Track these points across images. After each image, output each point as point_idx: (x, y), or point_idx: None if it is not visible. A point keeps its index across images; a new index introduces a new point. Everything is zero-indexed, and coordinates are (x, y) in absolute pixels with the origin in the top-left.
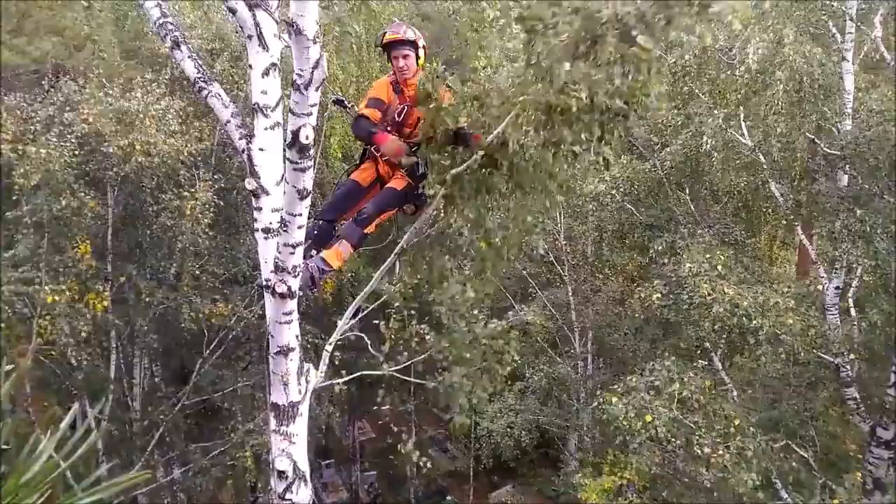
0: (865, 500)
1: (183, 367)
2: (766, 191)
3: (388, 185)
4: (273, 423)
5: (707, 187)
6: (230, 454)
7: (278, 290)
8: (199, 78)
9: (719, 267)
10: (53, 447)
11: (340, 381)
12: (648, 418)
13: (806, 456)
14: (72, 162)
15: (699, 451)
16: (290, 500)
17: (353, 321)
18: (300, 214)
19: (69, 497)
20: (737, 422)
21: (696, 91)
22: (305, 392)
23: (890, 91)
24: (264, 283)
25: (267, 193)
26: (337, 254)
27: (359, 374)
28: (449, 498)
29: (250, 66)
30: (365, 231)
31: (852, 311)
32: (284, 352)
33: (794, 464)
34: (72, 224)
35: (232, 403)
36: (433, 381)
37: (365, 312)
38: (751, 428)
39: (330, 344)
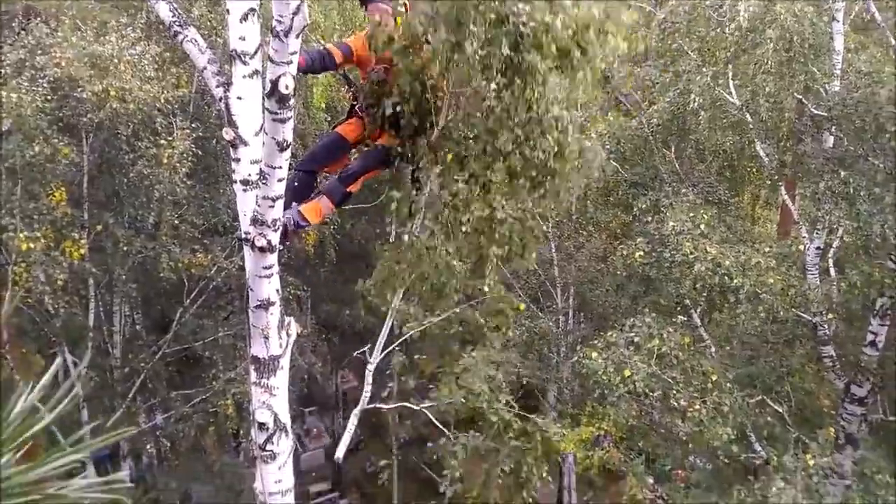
0: (837, 454)
1: (163, 315)
2: (752, 151)
3: (375, 143)
4: (253, 376)
5: (693, 146)
6: (212, 402)
7: (258, 243)
8: (175, 22)
9: (702, 226)
10: (36, 398)
11: (385, 407)
12: (627, 373)
13: (781, 411)
14: (44, 107)
15: (676, 405)
16: (271, 450)
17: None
18: (280, 167)
19: (56, 451)
20: (714, 377)
21: (685, 48)
22: (286, 346)
23: (879, 52)
24: (243, 236)
25: (245, 144)
26: (316, 209)
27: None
28: (430, 445)
29: (228, 11)
30: (348, 189)
31: (832, 272)
32: (265, 306)
33: (768, 419)
34: (46, 171)
35: (213, 353)
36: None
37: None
38: (728, 384)
39: (371, 364)
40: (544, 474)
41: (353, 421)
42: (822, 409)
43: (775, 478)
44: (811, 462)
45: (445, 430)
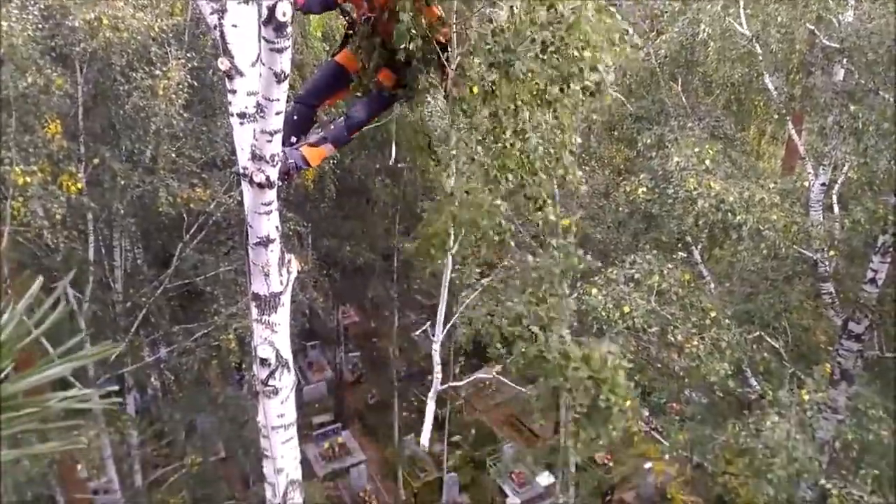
0: (832, 389)
1: (164, 250)
2: (760, 83)
3: (377, 84)
4: (255, 313)
5: (700, 79)
6: (214, 337)
7: (256, 179)
8: None
9: (707, 161)
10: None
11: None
12: (626, 309)
13: (777, 347)
14: (36, 36)
15: (673, 340)
16: (274, 386)
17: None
18: (277, 100)
19: (45, 362)
20: (713, 314)
21: None
22: (287, 283)
23: None
24: (241, 171)
25: (241, 75)
26: (319, 154)
27: None
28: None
29: None
30: (352, 136)
31: (835, 209)
32: (264, 243)
33: (765, 354)
34: (40, 103)
35: (214, 288)
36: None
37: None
38: (726, 320)
39: (437, 342)
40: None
41: (430, 406)
42: (818, 346)
43: (770, 412)
44: (806, 397)
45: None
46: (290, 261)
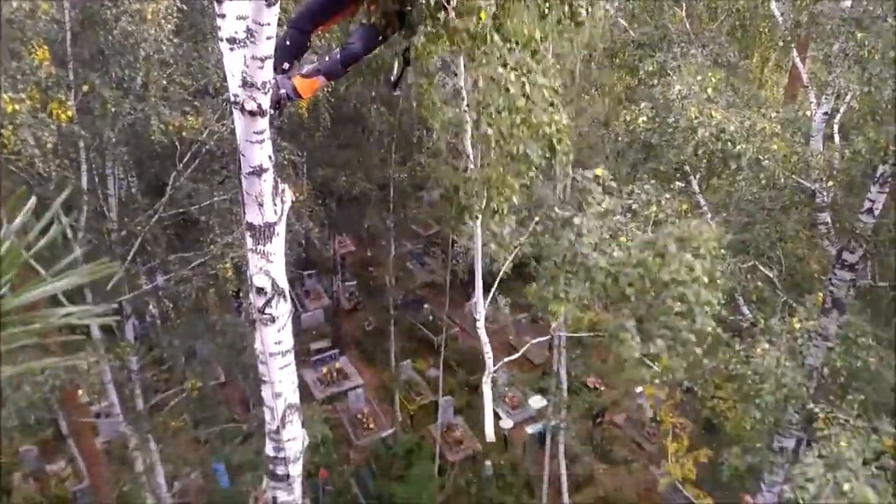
0: (823, 318)
1: (157, 179)
2: (766, 9)
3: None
4: (250, 243)
5: (705, 4)
6: (210, 265)
7: (247, 107)
8: None
9: (709, 90)
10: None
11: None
12: (623, 240)
13: (771, 276)
14: None
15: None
16: (270, 314)
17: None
18: (268, 24)
19: (37, 282)
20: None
21: None
22: (281, 213)
23: None
24: (232, 98)
25: None
26: (311, 85)
27: None
28: (426, 306)
29: None
30: (347, 69)
31: (836, 138)
32: (257, 172)
33: (758, 283)
34: (26, 28)
35: (209, 217)
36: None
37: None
38: (721, 250)
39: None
40: None
41: (486, 391)
42: (812, 275)
43: (760, 340)
44: (797, 325)
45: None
46: (284, 190)
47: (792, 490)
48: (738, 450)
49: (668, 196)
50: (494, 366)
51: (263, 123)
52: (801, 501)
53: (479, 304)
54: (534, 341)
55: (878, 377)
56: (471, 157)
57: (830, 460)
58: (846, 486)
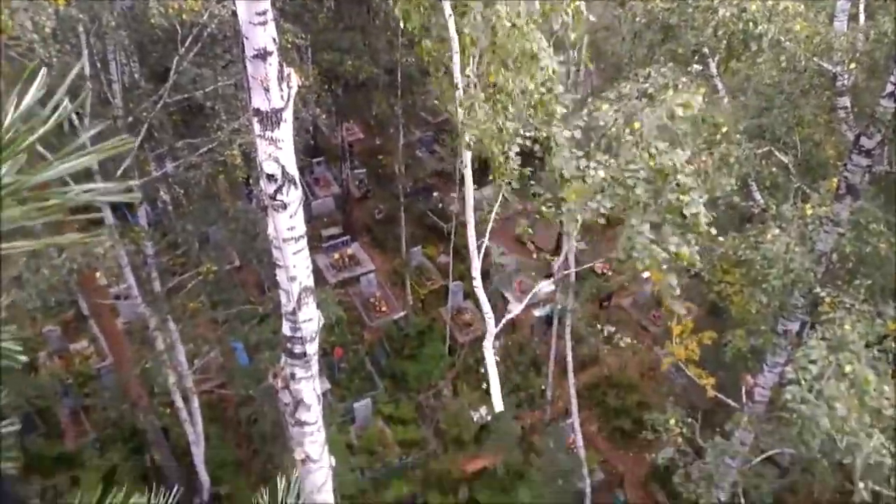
0: (836, 203)
1: (160, 64)
2: None
3: None
4: (257, 129)
5: None
6: (219, 152)
7: None
8: None
9: None
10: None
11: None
12: (636, 125)
13: (786, 162)
14: None
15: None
16: (281, 201)
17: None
18: None
19: (46, 164)
20: (724, 129)
21: None
22: (288, 98)
23: None
24: None
25: None
26: None
27: None
28: (435, 194)
29: None
30: None
31: (861, 18)
32: (262, 56)
33: (773, 169)
34: None
35: (215, 103)
36: None
37: None
38: (737, 135)
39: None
40: None
41: (489, 356)
42: (827, 161)
43: (771, 225)
44: (809, 211)
45: None
46: (289, 75)
47: (794, 371)
48: (743, 332)
49: (685, 80)
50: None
51: (265, 4)
52: (803, 381)
53: (475, 263)
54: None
55: (887, 262)
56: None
57: (833, 342)
58: (847, 368)
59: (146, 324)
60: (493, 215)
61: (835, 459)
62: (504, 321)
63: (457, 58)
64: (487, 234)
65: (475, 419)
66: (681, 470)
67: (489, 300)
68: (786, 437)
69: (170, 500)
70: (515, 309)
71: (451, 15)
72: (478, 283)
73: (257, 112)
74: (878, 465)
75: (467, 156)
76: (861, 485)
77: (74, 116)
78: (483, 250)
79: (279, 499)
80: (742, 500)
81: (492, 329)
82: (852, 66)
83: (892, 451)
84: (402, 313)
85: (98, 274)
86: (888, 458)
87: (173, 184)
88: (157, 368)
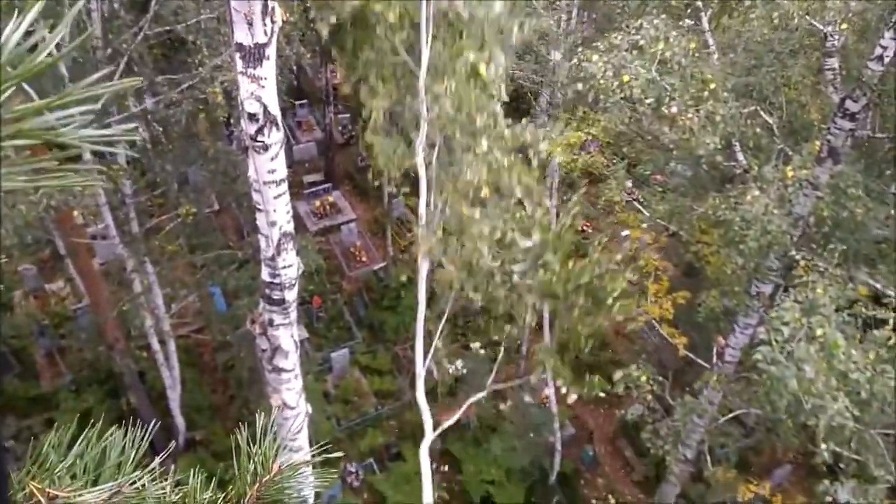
0: (817, 167)
1: None
2: None
3: None
4: (239, 65)
5: None
6: (200, 89)
7: None
8: None
9: None
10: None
11: None
12: (625, 78)
13: (771, 123)
14: None
15: (667, 112)
16: (263, 142)
17: None
18: None
19: (39, 105)
20: (712, 86)
21: None
22: (271, 34)
23: None
24: None
25: None
26: None
27: None
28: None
29: None
30: None
31: None
32: None
33: (757, 129)
34: None
35: (197, 37)
36: None
37: None
38: (725, 92)
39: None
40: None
41: (424, 461)
42: (811, 123)
43: (751, 186)
44: (790, 174)
45: None
46: (273, 9)
47: (767, 332)
48: (716, 293)
49: (675, 33)
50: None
51: None
52: (774, 342)
53: (419, 359)
54: None
55: (862, 228)
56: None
57: (806, 305)
58: (819, 331)
59: (123, 265)
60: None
61: (799, 421)
62: (442, 428)
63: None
64: None
65: (451, 372)
66: (649, 426)
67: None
68: (753, 397)
69: (145, 438)
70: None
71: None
72: (420, 393)
73: (240, 47)
74: (841, 427)
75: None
76: (823, 446)
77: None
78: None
79: (257, 437)
80: (707, 458)
81: (429, 434)
82: (844, 26)
83: (855, 414)
84: (382, 264)
85: (75, 213)
86: (850, 422)
87: (152, 121)
88: (133, 311)
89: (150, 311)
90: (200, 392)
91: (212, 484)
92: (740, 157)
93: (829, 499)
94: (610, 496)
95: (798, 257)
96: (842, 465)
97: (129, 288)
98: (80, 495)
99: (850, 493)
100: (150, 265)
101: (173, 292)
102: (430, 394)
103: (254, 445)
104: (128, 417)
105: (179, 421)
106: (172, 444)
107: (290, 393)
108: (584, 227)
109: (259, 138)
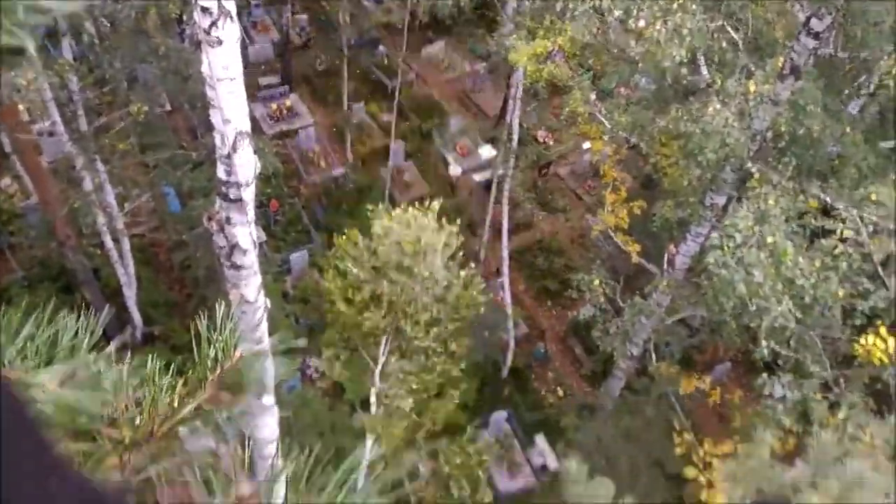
0: (779, 83)
1: None
2: None
3: None
4: None
5: None
6: None
7: None
8: None
9: None
10: None
11: None
12: None
13: (737, 38)
14: None
15: (634, 26)
16: (217, 36)
17: None
18: None
19: None
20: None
21: None
22: None
23: None
24: None
25: None
26: None
27: None
28: (381, 48)
29: None
30: None
31: None
32: None
33: (723, 44)
34: None
35: None
36: None
37: None
38: (693, 5)
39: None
40: None
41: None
42: (776, 40)
43: (714, 100)
44: (752, 88)
45: None
46: None
47: (719, 237)
48: (672, 203)
49: None
50: (450, 116)
51: None
52: (726, 248)
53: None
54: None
55: (818, 144)
56: None
57: (758, 215)
58: (769, 239)
59: (72, 163)
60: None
61: (743, 322)
62: None
63: None
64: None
65: None
66: (600, 326)
67: (430, 160)
68: (700, 300)
69: (98, 323)
70: (456, 171)
71: None
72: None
73: None
74: (783, 328)
75: None
76: (764, 344)
77: None
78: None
79: (218, 325)
80: (653, 355)
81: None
82: None
83: (798, 316)
84: (341, 170)
85: (20, 108)
86: (792, 323)
87: (100, 16)
88: (85, 209)
89: (102, 209)
90: (157, 290)
91: (170, 369)
92: (704, 71)
93: (765, 392)
94: (559, 388)
95: (753, 170)
96: (779, 363)
97: (79, 186)
98: (34, 376)
99: (785, 387)
100: (100, 163)
101: (125, 192)
102: None
103: (214, 332)
104: (83, 312)
105: (136, 316)
106: (128, 329)
107: (249, 288)
108: (547, 138)
109: (213, 32)
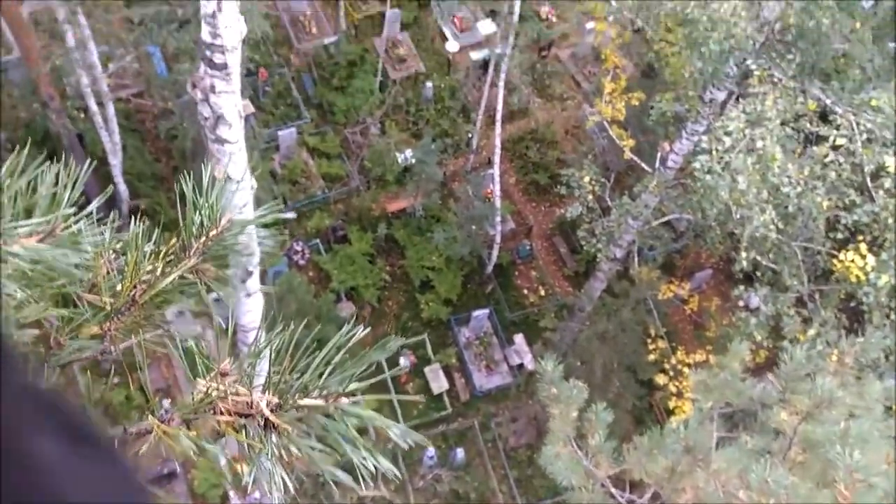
0: None
1: None
2: None
3: None
4: None
5: None
6: None
7: None
8: None
9: None
10: None
11: None
12: None
13: None
14: None
15: None
16: None
17: None
18: None
19: None
20: None
21: None
22: None
23: None
24: None
25: None
26: None
27: None
28: None
29: None
30: None
31: None
32: None
33: None
34: None
35: None
36: None
37: None
38: None
39: None
40: None
41: None
42: None
43: None
44: None
45: None
46: None
47: (709, 141)
48: (671, 96)
49: None
50: None
51: None
52: (714, 152)
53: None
54: None
55: (825, 39)
56: None
57: (752, 117)
58: (759, 143)
59: (54, 16)
60: None
61: (727, 229)
62: None
63: None
64: None
65: (400, 160)
66: (586, 225)
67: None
68: (687, 203)
69: (80, 178)
70: (453, 47)
71: None
72: None
73: None
74: (764, 238)
75: None
76: (744, 254)
77: None
78: None
79: (204, 191)
80: (636, 258)
81: None
82: None
83: (779, 226)
84: (333, 38)
85: None
86: (773, 233)
87: None
88: (68, 66)
89: (86, 67)
90: (143, 160)
91: (154, 235)
92: None
93: (741, 303)
94: (540, 287)
95: (754, 67)
96: (758, 274)
97: (61, 40)
98: (10, 230)
99: (761, 299)
100: (82, 17)
101: (110, 51)
102: (380, 181)
103: (201, 197)
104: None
105: (122, 188)
106: (110, 188)
107: (235, 166)
108: (549, 15)
109: None
